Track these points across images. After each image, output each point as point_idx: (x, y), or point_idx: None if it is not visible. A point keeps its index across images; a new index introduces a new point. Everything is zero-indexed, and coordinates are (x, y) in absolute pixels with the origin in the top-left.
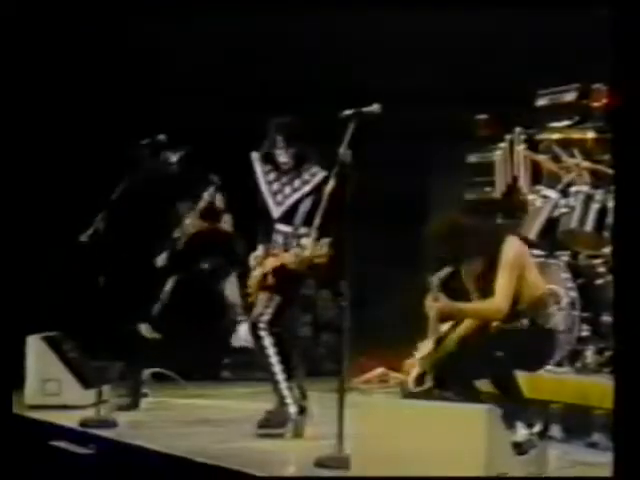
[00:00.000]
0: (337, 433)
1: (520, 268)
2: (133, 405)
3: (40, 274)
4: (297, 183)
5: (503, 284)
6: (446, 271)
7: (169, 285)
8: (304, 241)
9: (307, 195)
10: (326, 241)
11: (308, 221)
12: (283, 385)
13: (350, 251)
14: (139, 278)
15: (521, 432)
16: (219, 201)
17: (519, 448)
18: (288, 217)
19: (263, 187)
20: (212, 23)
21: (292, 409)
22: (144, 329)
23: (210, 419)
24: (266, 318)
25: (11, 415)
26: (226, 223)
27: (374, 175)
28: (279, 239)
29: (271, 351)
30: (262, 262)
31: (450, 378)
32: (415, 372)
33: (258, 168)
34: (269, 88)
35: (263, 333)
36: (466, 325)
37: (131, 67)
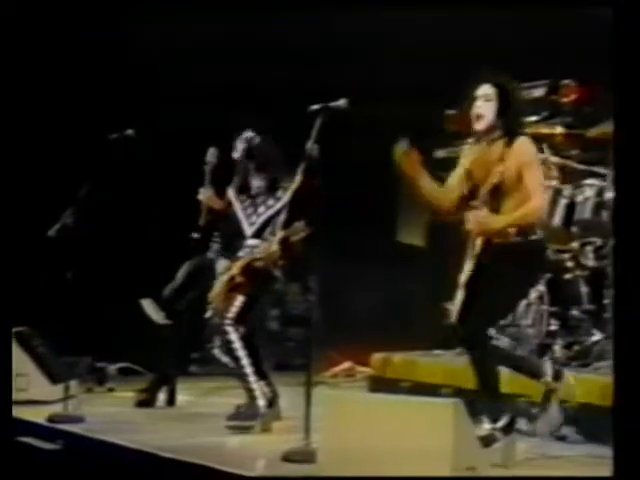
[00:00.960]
0: (304, 427)
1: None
2: (152, 401)
3: (7, 269)
4: (271, 202)
5: (537, 181)
6: None
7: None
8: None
9: (280, 211)
10: (301, 223)
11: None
12: (252, 379)
13: (319, 246)
14: (109, 272)
15: (484, 426)
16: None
17: (481, 442)
18: (259, 233)
19: (239, 213)
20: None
21: (261, 402)
22: (154, 313)
23: (178, 414)
24: (231, 315)
25: None
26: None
27: (342, 170)
28: (244, 253)
29: (238, 345)
30: (227, 271)
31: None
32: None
33: (233, 198)
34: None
35: (229, 329)
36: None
37: (106, 62)
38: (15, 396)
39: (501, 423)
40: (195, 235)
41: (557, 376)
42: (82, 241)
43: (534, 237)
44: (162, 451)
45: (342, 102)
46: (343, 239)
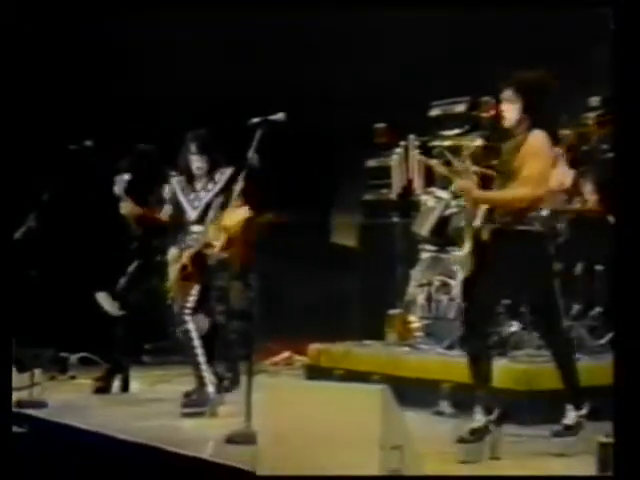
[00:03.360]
0: (245, 411)
1: (550, 157)
2: (108, 388)
3: None
4: (210, 185)
5: (535, 171)
6: None
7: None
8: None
9: (219, 193)
10: (243, 209)
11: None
12: (204, 367)
13: (259, 247)
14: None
15: (478, 418)
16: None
17: (476, 434)
18: (202, 218)
19: (181, 197)
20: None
21: (210, 389)
22: (109, 305)
23: (131, 399)
24: (190, 305)
25: None
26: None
27: (283, 176)
28: (191, 239)
29: (194, 335)
30: (178, 258)
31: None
32: None
33: (174, 180)
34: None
35: (187, 318)
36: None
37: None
38: None
39: (495, 415)
40: (134, 244)
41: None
42: (44, 242)
43: (534, 228)
44: (117, 433)
45: (280, 115)
46: (281, 240)
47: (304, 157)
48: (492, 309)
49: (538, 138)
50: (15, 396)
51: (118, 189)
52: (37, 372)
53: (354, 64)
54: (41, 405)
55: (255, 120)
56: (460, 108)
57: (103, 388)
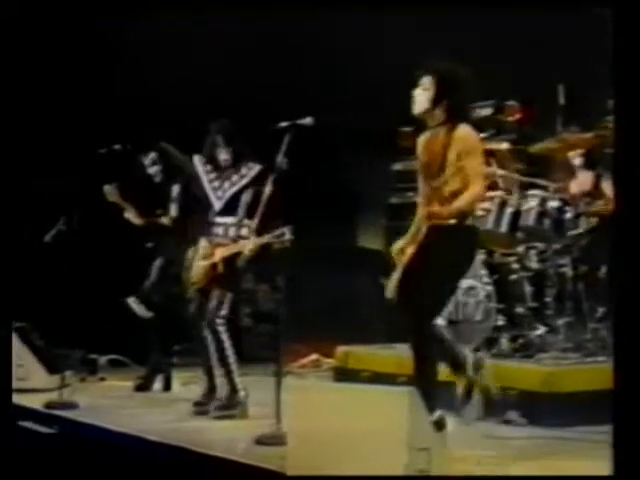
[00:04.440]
0: (275, 413)
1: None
2: (149, 387)
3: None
4: (235, 178)
5: (478, 168)
6: None
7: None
8: (244, 231)
9: (245, 188)
10: (286, 229)
11: (246, 212)
12: (236, 374)
13: (287, 249)
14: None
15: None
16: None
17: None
18: (228, 210)
19: (205, 184)
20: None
21: (242, 393)
22: (138, 308)
23: (159, 400)
24: (223, 313)
25: None
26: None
27: (311, 178)
28: (219, 231)
29: (227, 344)
30: (210, 253)
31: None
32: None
33: (200, 168)
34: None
35: (221, 328)
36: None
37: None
38: (15, 385)
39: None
40: (149, 245)
41: (477, 367)
42: (75, 245)
43: (468, 222)
44: (146, 434)
45: (308, 120)
46: (309, 242)
47: (330, 160)
48: (440, 299)
49: (471, 133)
50: (45, 397)
51: (174, 194)
52: (67, 373)
53: (381, 65)
54: (72, 406)
55: (283, 124)
56: (485, 112)
57: (143, 386)
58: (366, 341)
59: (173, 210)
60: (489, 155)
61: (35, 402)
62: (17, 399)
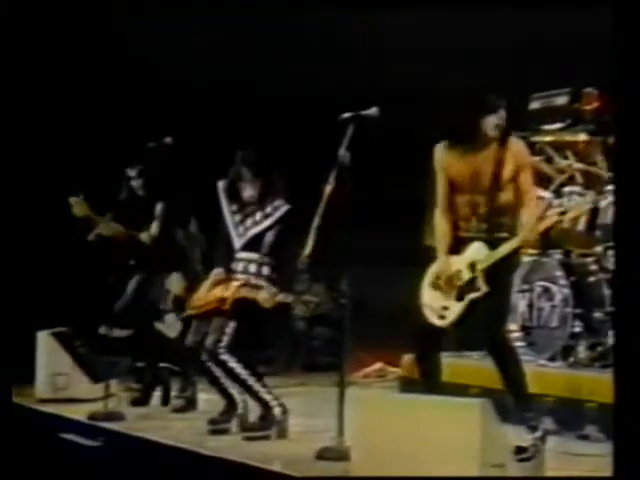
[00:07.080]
0: (337, 426)
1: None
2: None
3: (51, 272)
4: (259, 216)
5: (531, 184)
6: None
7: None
8: (265, 270)
9: (268, 229)
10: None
11: (269, 251)
12: (262, 391)
13: (348, 249)
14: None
15: (526, 437)
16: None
17: (524, 452)
18: (248, 247)
19: (227, 217)
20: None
21: (277, 410)
22: (166, 329)
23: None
24: (224, 344)
25: (22, 409)
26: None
27: (372, 176)
28: (239, 266)
29: (238, 369)
30: (223, 284)
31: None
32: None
33: (223, 198)
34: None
35: (225, 357)
36: None
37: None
38: (57, 394)
39: (539, 433)
40: (131, 262)
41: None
42: (120, 247)
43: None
44: (200, 448)
45: (374, 110)
46: (371, 242)
47: (395, 157)
48: (505, 317)
49: (524, 147)
50: (89, 408)
51: (158, 212)
52: (112, 383)
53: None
54: (117, 417)
55: (346, 115)
56: (561, 100)
57: (140, 400)
58: None
59: (154, 228)
60: (566, 147)
61: (78, 413)
62: (58, 410)
